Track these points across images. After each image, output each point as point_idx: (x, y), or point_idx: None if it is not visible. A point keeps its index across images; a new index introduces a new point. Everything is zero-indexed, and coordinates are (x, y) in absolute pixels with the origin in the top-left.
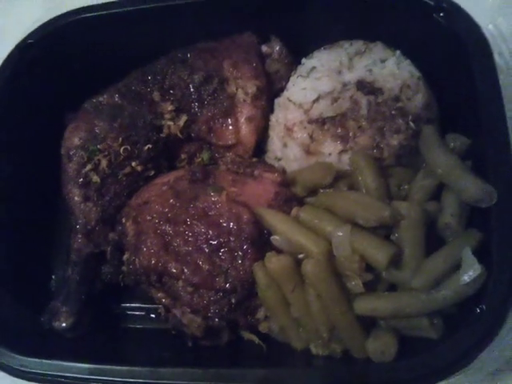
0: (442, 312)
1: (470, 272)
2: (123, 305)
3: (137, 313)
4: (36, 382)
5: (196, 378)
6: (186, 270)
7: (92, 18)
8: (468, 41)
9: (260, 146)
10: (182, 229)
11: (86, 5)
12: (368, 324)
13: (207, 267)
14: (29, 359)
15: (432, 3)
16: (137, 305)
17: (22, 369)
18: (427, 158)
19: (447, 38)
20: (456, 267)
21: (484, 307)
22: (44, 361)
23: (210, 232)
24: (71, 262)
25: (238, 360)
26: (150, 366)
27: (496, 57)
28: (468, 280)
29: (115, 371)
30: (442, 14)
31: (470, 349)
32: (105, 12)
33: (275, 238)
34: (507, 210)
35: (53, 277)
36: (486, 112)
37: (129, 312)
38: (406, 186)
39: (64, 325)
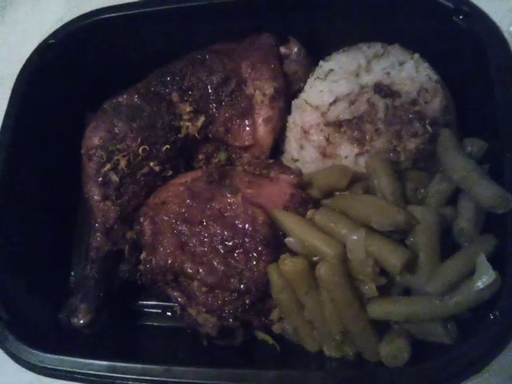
0: (456, 317)
1: (484, 278)
2: (140, 302)
3: (153, 310)
4: (55, 377)
5: (209, 378)
6: (201, 271)
7: (112, 18)
8: (488, 43)
9: (277, 147)
10: (197, 229)
11: (106, 5)
12: (382, 327)
13: (222, 268)
14: (48, 355)
15: (451, 6)
16: (153, 302)
17: (41, 365)
18: (444, 162)
19: (467, 40)
20: (470, 273)
21: (497, 313)
22: (62, 357)
23: (226, 233)
24: (90, 260)
25: (252, 360)
26: (164, 365)
27: None
28: (482, 286)
29: (131, 369)
30: (461, 17)
31: (484, 354)
32: (125, 13)
33: (290, 240)
34: None
35: (72, 273)
36: (505, 116)
37: (145, 309)
38: (422, 190)
39: (82, 321)
